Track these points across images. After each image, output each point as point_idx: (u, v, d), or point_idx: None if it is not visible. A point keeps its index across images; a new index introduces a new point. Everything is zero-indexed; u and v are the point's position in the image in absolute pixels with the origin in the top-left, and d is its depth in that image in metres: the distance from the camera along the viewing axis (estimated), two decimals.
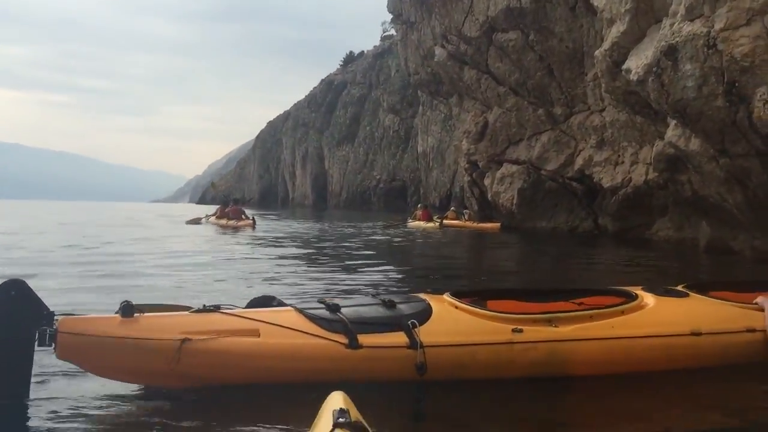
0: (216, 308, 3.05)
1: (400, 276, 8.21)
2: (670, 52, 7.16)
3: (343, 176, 57.17)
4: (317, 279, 7.29)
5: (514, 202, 19.82)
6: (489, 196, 21.31)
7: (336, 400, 1.43)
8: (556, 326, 3.27)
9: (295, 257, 10.62)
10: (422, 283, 7.47)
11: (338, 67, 69.85)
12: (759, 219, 7.87)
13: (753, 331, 3.46)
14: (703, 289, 3.85)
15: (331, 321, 3.07)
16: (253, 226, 20.21)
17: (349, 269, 8.49)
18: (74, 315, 2.95)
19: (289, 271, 8.19)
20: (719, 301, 3.69)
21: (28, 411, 2.76)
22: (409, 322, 3.09)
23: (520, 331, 3.19)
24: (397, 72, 48.30)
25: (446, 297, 3.41)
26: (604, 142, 17.29)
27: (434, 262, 11.05)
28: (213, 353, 2.86)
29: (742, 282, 4.43)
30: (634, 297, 3.56)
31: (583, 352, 3.25)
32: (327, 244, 13.81)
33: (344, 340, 2.99)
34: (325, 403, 1.44)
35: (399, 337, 3.06)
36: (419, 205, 25.76)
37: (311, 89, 72.58)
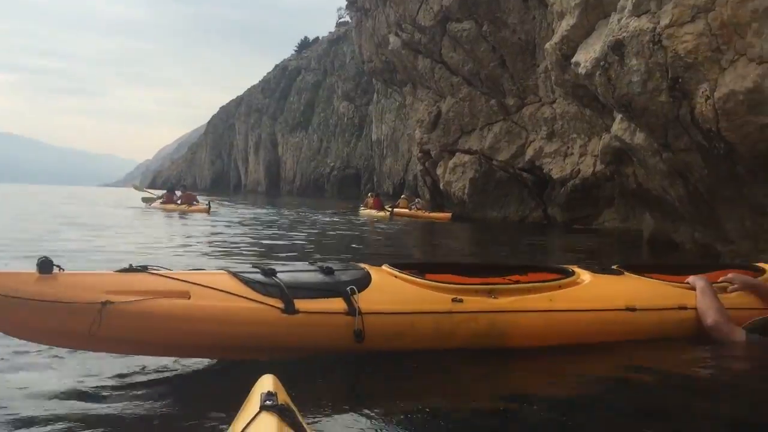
0: (143, 268, 2.86)
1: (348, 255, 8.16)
2: (617, 47, 7.26)
3: (297, 163, 56.84)
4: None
5: (466, 191, 19.99)
6: (441, 185, 21.43)
7: (266, 383, 1.41)
8: (495, 297, 3.27)
9: (240, 244, 10.46)
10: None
11: (293, 52, 69.22)
12: (699, 212, 8.07)
13: (684, 308, 3.57)
14: (636, 269, 3.94)
15: (267, 285, 2.94)
16: (209, 211, 20.00)
17: (294, 257, 8.41)
18: None
19: (231, 257, 8.07)
20: (653, 279, 3.79)
21: None
22: (348, 289, 3.00)
23: (461, 301, 3.17)
24: (352, 59, 48.08)
25: (385, 267, 3.35)
26: (555, 133, 17.58)
27: (381, 251, 11.05)
28: (139, 315, 2.67)
29: (673, 265, 4.61)
30: (571, 273, 3.61)
31: (522, 323, 3.26)
32: (276, 231, 13.67)
33: (280, 305, 2.87)
34: (254, 387, 1.42)
35: (337, 303, 2.97)
36: (370, 194, 25.70)
37: (265, 74, 71.74)
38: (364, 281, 3.11)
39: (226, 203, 30.22)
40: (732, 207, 7.36)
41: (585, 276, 3.64)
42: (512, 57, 17.95)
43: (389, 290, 3.14)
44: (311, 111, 56.50)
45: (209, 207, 20.41)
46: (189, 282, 2.82)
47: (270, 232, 13.38)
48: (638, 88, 7.12)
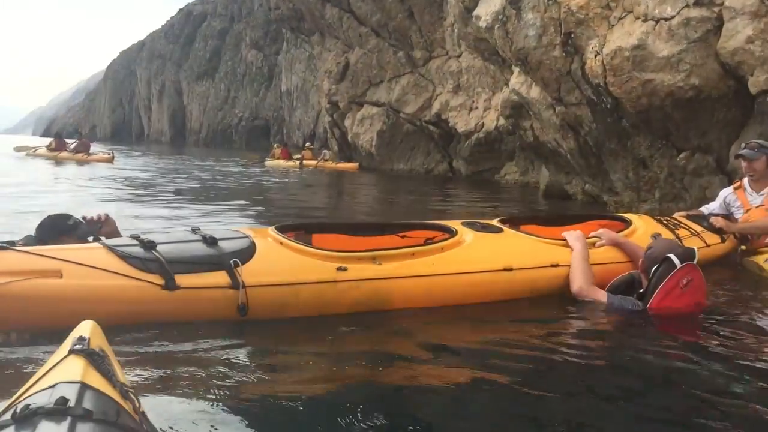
0: (10, 245, 2.70)
1: (250, 214, 8.09)
2: (515, 1, 7.41)
3: (203, 113, 55.06)
4: (161, 217, 7.03)
5: (373, 143, 20.07)
6: (349, 137, 21.40)
7: (83, 328, 1.40)
8: (379, 264, 3.32)
9: (142, 195, 10.15)
10: (266, 219, 7.43)
11: None
12: (588, 165, 8.48)
13: (557, 266, 3.75)
14: (515, 224, 4.12)
15: (146, 260, 2.82)
16: (112, 160, 19.23)
17: (197, 208, 8.25)
18: None
19: (132, 208, 7.83)
20: (529, 236, 3.96)
21: None
22: (231, 261, 2.94)
23: (345, 269, 3.17)
24: (261, 6, 46.58)
25: (270, 232, 3.31)
26: (460, 87, 17.82)
27: (288, 200, 11.00)
28: (5, 298, 2.53)
29: (548, 217, 4.80)
30: (454, 233, 3.71)
31: (405, 289, 3.33)
32: (178, 183, 13.31)
33: (160, 281, 2.78)
34: (71, 333, 1.40)
35: (220, 277, 2.90)
36: (277, 144, 25.38)
37: (168, 18, 68.45)
38: (248, 252, 3.05)
39: (132, 153, 29.03)
40: (617, 160, 7.77)
41: (467, 235, 3.73)
42: (420, 9, 17.93)
43: (274, 261, 3.09)
44: (218, 59, 54.55)
45: (113, 156, 19.61)
46: (60, 259, 2.67)
47: (175, 185, 13.04)
48: (534, 43, 7.32)
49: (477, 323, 3.38)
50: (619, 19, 6.69)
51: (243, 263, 2.96)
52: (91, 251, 2.84)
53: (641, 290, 3.45)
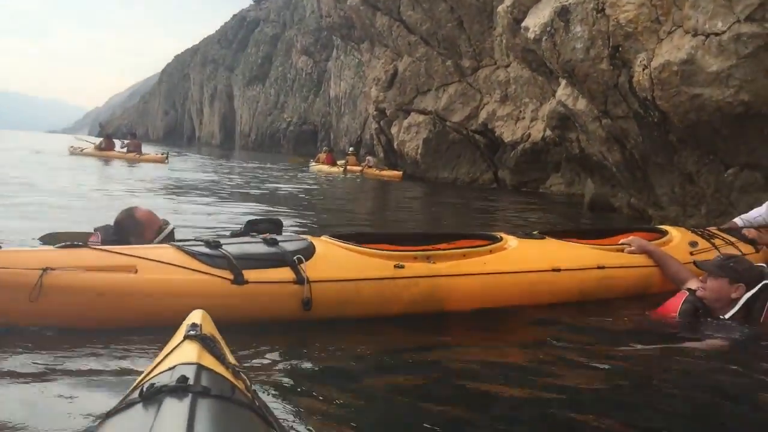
0: (84, 244, 2.86)
1: (294, 218, 8.29)
2: (563, 14, 7.43)
3: (253, 117, 55.98)
4: (208, 215, 7.28)
5: (419, 151, 20.15)
6: (395, 144, 21.54)
7: (194, 316, 1.50)
8: (434, 263, 3.43)
9: (191, 195, 10.47)
10: (314, 228, 7.62)
11: (251, 2, 67.48)
12: (634, 178, 8.42)
13: (603, 267, 3.84)
14: (554, 235, 4.24)
15: (214, 257, 2.95)
16: (164, 160, 19.67)
17: (241, 208, 8.49)
18: None
19: (181, 206, 8.12)
20: (572, 242, 4.10)
21: None
22: (295, 258, 3.05)
23: (402, 267, 3.29)
24: (312, 13, 47.23)
25: (325, 238, 3.45)
26: (508, 97, 17.81)
27: (332, 207, 11.19)
28: (80, 289, 2.64)
29: (586, 230, 4.98)
30: (499, 239, 3.84)
31: (458, 287, 3.43)
32: (225, 184, 13.66)
33: (229, 276, 2.89)
34: (184, 322, 1.51)
35: (285, 273, 3.00)
36: (324, 149, 25.64)
37: (222, 24, 69.94)
38: (308, 251, 3.16)
39: (184, 155, 29.74)
40: (663, 174, 7.71)
41: (511, 241, 3.85)
42: (470, 18, 18.00)
43: (334, 259, 3.21)
44: (269, 64, 55.48)
45: (166, 156, 20.04)
46: (134, 256, 2.80)
47: (222, 187, 13.38)
48: (581, 55, 7.33)
49: (528, 329, 3.47)
50: (669, 33, 6.65)
51: (305, 260, 3.07)
52: (162, 250, 2.99)
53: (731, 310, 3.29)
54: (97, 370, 2.37)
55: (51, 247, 2.86)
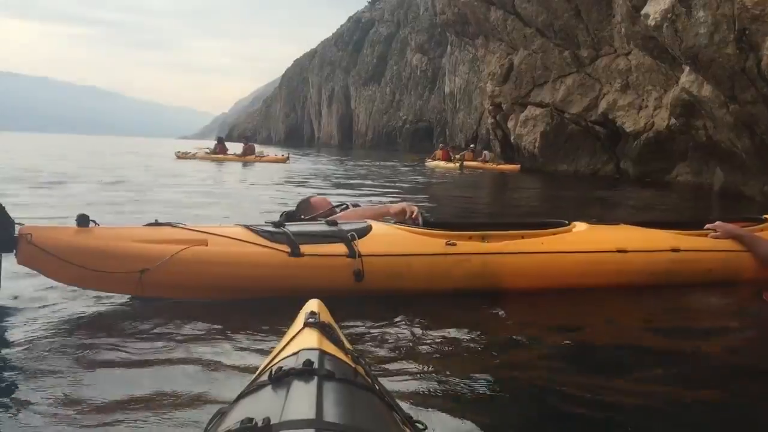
0: (167, 224, 3.24)
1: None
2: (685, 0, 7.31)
3: (369, 116, 57.15)
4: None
5: (537, 144, 20.00)
6: (512, 138, 21.47)
7: (311, 305, 1.60)
8: (488, 242, 3.55)
9: (306, 188, 11.02)
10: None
11: (366, 4, 68.90)
12: (766, 165, 8.10)
13: (677, 250, 3.68)
14: (638, 224, 4.04)
15: (275, 233, 3.25)
16: (286, 160, 20.72)
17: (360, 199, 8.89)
18: (35, 225, 3.07)
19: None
20: (648, 229, 3.91)
21: None
22: (349, 235, 3.30)
23: (454, 244, 3.41)
24: (426, 11, 47.64)
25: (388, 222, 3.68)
26: (629, 85, 17.31)
27: (445, 198, 11.40)
28: (167, 261, 3.00)
29: (683, 221, 4.65)
30: (567, 224, 3.81)
31: (513, 265, 3.45)
32: (342, 179, 14.22)
33: (287, 249, 3.16)
34: (301, 310, 1.59)
35: (339, 248, 3.23)
36: (440, 145, 25.81)
37: (338, 27, 71.89)
38: (364, 230, 3.39)
39: (304, 155, 30.89)
40: None
41: (581, 226, 3.81)
42: (587, 7, 17.65)
43: (387, 237, 3.42)
44: (384, 64, 56.47)
45: (287, 157, 21.09)
46: (207, 233, 3.20)
47: (339, 181, 13.91)
48: (705, 40, 7.18)
49: (590, 312, 3.38)
50: None
51: (359, 238, 3.31)
52: (231, 228, 3.36)
53: None
54: (216, 353, 2.56)
55: (139, 226, 3.26)
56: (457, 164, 21.16)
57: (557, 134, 19.55)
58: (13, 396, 2.11)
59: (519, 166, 19.90)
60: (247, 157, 21.83)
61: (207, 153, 22.85)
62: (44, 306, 3.06)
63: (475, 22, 22.54)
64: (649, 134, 16.78)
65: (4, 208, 2.89)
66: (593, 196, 12.56)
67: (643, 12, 8.74)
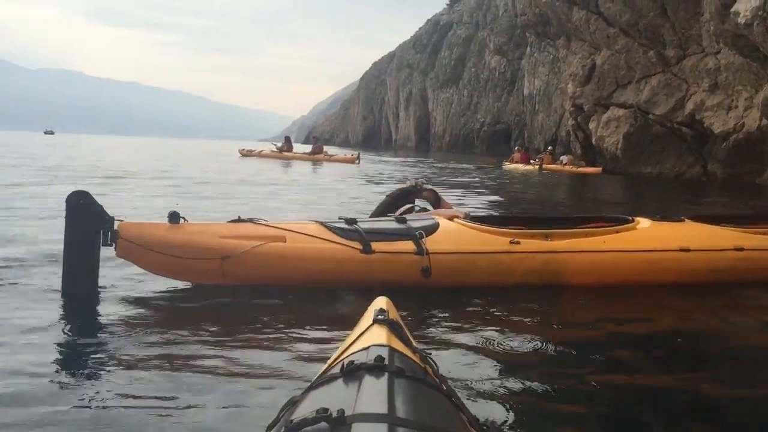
0: (249, 220, 3.50)
1: (485, 209, 8.66)
2: None
3: (447, 119, 57.11)
4: None
5: (619, 146, 19.58)
6: (593, 140, 21.09)
7: (379, 302, 1.61)
8: (551, 240, 3.65)
9: (380, 190, 11.23)
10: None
11: (445, 6, 68.91)
12: None
13: (741, 249, 3.67)
14: (703, 219, 4.04)
15: (348, 231, 3.45)
16: (355, 161, 20.90)
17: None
18: (131, 221, 3.35)
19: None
20: (712, 226, 3.91)
21: (98, 304, 3.15)
22: (417, 233, 3.47)
23: (518, 242, 3.55)
24: (505, 12, 47.27)
25: (456, 219, 3.82)
26: (718, 85, 16.73)
27: (521, 198, 11.38)
28: (249, 255, 3.25)
29: (745, 214, 4.52)
30: (630, 220, 3.85)
31: (575, 263, 3.56)
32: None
33: (359, 246, 3.36)
34: (370, 306, 1.61)
35: (407, 245, 3.43)
36: (516, 148, 25.48)
37: (417, 29, 72.19)
38: (432, 228, 3.58)
39: (379, 157, 31.09)
40: None
41: (644, 223, 3.84)
42: (674, 5, 17.16)
43: (454, 234, 3.59)
44: (462, 66, 56.33)
45: (357, 156, 21.26)
46: (285, 229, 3.41)
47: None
48: None
49: (648, 304, 3.39)
50: None
51: (427, 235, 3.49)
52: (307, 225, 3.58)
53: None
54: (287, 342, 2.70)
55: (224, 222, 3.51)
56: (536, 167, 20.96)
57: (641, 136, 19.08)
58: (108, 378, 2.28)
59: (601, 168, 19.54)
60: (315, 156, 22.24)
61: (273, 151, 23.27)
62: (137, 295, 3.32)
63: (557, 22, 22.28)
64: (738, 135, 16.18)
65: (100, 205, 3.16)
66: (679, 200, 12.24)
67: (732, 10, 8.54)
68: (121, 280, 3.51)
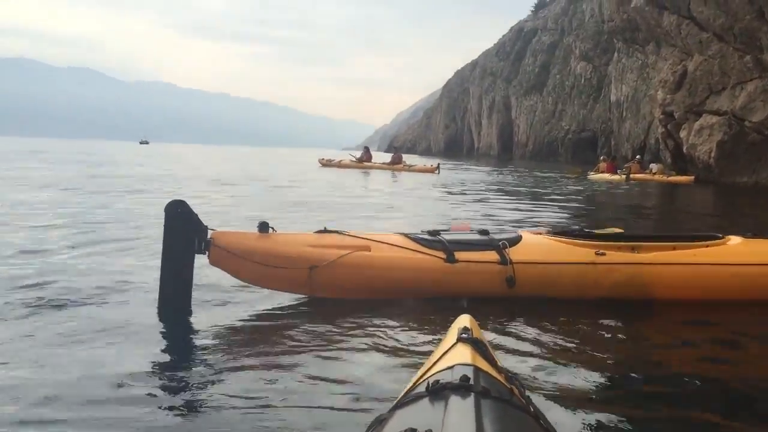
0: (335, 231, 3.56)
1: (574, 219, 8.54)
2: None
3: (530, 126, 56.35)
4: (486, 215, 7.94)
5: (712, 155, 18.81)
6: (684, 148, 20.35)
7: (462, 321, 1.61)
8: (638, 252, 3.57)
9: (459, 200, 11.24)
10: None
11: (529, 13, 68.14)
12: None
13: None
14: None
15: (432, 241, 3.51)
16: (434, 170, 20.92)
17: (522, 207, 8.99)
18: (224, 230, 3.44)
19: (451, 210, 8.97)
20: None
21: (192, 312, 3.23)
22: (501, 243, 3.50)
23: (603, 254, 3.50)
24: (592, 17, 46.29)
25: (538, 233, 3.81)
26: None
27: (610, 209, 11.13)
28: (335, 264, 3.32)
29: None
30: (720, 237, 3.73)
31: (663, 276, 3.48)
32: (494, 191, 14.29)
33: (443, 256, 3.41)
34: (453, 324, 1.60)
35: (491, 255, 3.45)
36: (602, 157, 24.75)
37: (500, 37, 71.67)
38: (515, 239, 3.59)
39: (461, 167, 30.80)
40: None
41: (735, 239, 3.72)
42: None
43: (537, 246, 3.59)
44: (546, 73, 55.47)
45: (437, 167, 21.26)
46: (370, 240, 3.50)
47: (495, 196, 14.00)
48: None
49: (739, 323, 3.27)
50: None
51: (511, 246, 3.51)
52: (391, 236, 3.65)
53: None
54: (373, 354, 2.72)
55: (311, 233, 3.58)
56: (623, 176, 20.36)
57: (736, 144, 18.27)
58: (201, 385, 2.36)
59: (693, 177, 18.81)
60: (395, 166, 22.41)
61: (352, 161, 23.49)
62: (230, 302, 3.45)
63: (646, 28, 21.68)
64: None
65: (196, 214, 3.28)
66: None
67: None
68: (213, 289, 3.63)
